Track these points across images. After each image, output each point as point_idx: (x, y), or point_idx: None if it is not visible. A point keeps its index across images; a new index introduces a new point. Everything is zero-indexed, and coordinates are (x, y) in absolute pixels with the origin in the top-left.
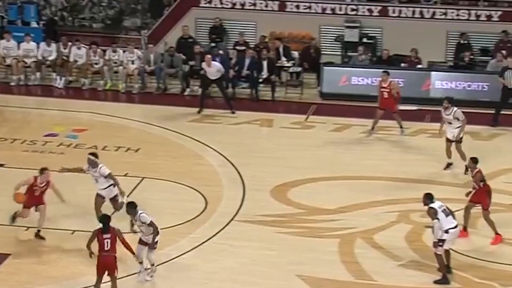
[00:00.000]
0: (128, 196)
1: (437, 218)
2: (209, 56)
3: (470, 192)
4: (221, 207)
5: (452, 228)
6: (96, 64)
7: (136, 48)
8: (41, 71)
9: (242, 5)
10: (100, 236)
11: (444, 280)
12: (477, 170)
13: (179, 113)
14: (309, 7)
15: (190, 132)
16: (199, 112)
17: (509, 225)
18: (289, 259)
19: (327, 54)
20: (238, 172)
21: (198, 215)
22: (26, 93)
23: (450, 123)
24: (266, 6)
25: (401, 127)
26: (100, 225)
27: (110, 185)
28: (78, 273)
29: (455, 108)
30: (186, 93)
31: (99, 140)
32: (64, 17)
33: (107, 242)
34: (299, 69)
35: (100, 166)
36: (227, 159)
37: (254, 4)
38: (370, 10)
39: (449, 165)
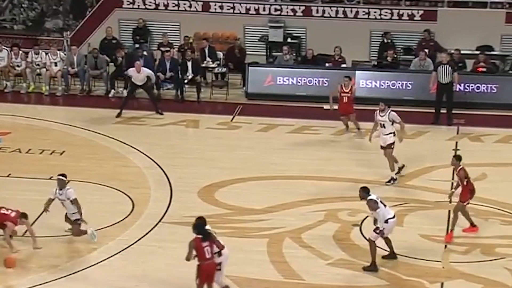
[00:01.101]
0: (53, 199)
1: (379, 207)
2: (138, 62)
3: (453, 192)
4: (148, 209)
5: (391, 218)
6: (18, 66)
7: (59, 49)
8: None
9: (166, 6)
10: (199, 244)
11: (373, 268)
12: (460, 167)
13: (104, 115)
14: (233, 8)
15: (116, 134)
16: (118, 116)
17: (436, 222)
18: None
19: (252, 54)
20: (165, 174)
21: (125, 217)
22: None
23: (383, 126)
24: (190, 6)
25: (358, 129)
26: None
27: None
28: (2, 280)
29: (390, 111)
30: (110, 95)
31: (23, 143)
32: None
33: (207, 250)
34: (224, 69)
35: (67, 188)
36: (154, 161)
37: (178, 5)
38: (293, 10)
39: (400, 169)
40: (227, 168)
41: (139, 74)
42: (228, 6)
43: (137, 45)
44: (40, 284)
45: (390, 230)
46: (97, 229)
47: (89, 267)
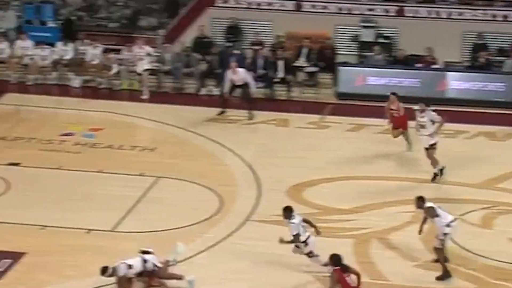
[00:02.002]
0: (144, 195)
1: (438, 215)
2: (234, 63)
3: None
4: (236, 207)
5: (453, 221)
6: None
7: (147, 44)
8: (58, 71)
9: (258, 4)
10: (341, 275)
11: (445, 275)
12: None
13: (194, 112)
14: (325, 7)
15: (206, 132)
16: (220, 114)
17: None
18: (304, 260)
19: (343, 54)
20: (254, 172)
21: (213, 215)
22: (43, 93)
23: (424, 127)
24: (282, 6)
25: (409, 143)
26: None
27: None
28: (94, 272)
29: (430, 110)
30: (201, 93)
31: (115, 139)
32: (81, 17)
33: (350, 278)
34: (315, 69)
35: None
36: (243, 159)
37: (270, 4)
38: (386, 10)
39: (439, 173)
40: (316, 168)
41: (236, 75)
42: (320, 5)
43: (229, 44)
44: None
45: (452, 234)
46: (184, 226)
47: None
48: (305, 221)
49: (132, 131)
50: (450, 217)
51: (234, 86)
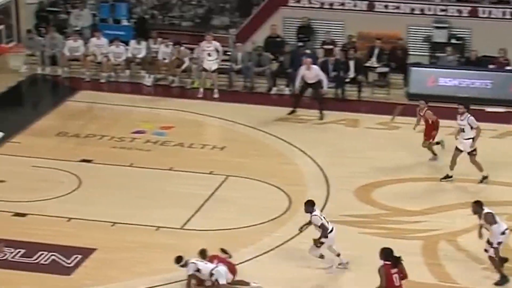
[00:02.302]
0: (213, 194)
1: (496, 222)
2: (309, 59)
3: None
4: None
5: (506, 229)
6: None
7: (214, 40)
8: (131, 69)
9: (331, 4)
10: (388, 271)
11: (504, 280)
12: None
13: (265, 111)
14: (398, 7)
15: (276, 131)
16: (290, 113)
17: None
18: (372, 260)
19: (415, 54)
20: (323, 172)
21: (282, 214)
22: (116, 90)
23: (463, 130)
24: (355, 5)
25: (434, 154)
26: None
27: None
28: (162, 269)
29: (469, 115)
30: (272, 92)
31: (185, 137)
32: (154, 15)
33: (396, 277)
34: (386, 69)
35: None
36: (312, 159)
37: (343, 4)
38: (459, 11)
39: (447, 177)
40: (385, 168)
41: (309, 71)
42: (393, 5)
43: (300, 43)
44: None
45: (504, 242)
46: (253, 225)
47: (243, 262)
48: None
49: (202, 130)
50: (504, 225)
51: (306, 84)
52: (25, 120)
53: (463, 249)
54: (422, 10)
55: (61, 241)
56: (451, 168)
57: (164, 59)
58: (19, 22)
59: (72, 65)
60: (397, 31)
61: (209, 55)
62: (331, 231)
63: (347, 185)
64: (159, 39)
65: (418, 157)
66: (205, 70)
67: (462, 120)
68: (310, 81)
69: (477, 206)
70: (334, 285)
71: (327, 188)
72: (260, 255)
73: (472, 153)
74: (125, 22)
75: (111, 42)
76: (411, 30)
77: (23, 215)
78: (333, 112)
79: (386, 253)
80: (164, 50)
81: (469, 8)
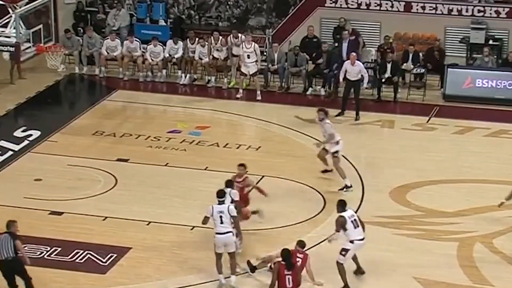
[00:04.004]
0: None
1: (345, 229)
2: (354, 54)
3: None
4: None
5: (358, 240)
6: (218, 50)
7: (253, 41)
8: (167, 69)
9: (368, 5)
10: (282, 272)
11: None
12: None
13: (301, 112)
14: (435, 8)
15: (311, 132)
16: (339, 115)
17: None
18: (406, 261)
19: (452, 55)
20: (358, 173)
21: (316, 215)
22: (152, 90)
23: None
24: (392, 6)
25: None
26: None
27: None
28: (196, 269)
29: (327, 121)
30: (308, 93)
31: (221, 137)
32: (191, 16)
33: (289, 278)
34: (422, 70)
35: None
36: (347, 159)
37: (380, 5)
38: (497, 12)
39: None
40: (421, 170)
41: (354, 66)
42: (430, 6)
43: (337, 44)
44: (228, 277)
45: (354, 251)
46: (287, 225)
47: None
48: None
49: (237, 130)
50: (359, 235)
51: (348, 82)
52: (62, 119)
53: (499, 251)
54: (459, 11)
55: (96, 240)
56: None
57: (201, 59)
58: (57, 22)
59: (109, 64)
60: (434, 32)
61: (248, 57)
62: (360, 240)
63: (382, 186)
64: (196, 39)
65: (455, 158)
66: (243, 74)
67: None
68: (352, 78)
69: (339, 206)
70: (368, 285)
71: (362, 189)
72: None
73: (333, 156)
74: (162, 22)
75: (149, 41)
76: (448, 31)
77: (60, 213)
78: (369, 113)
79: (285, 254)
80: (200, 50)
81: (507, 9)
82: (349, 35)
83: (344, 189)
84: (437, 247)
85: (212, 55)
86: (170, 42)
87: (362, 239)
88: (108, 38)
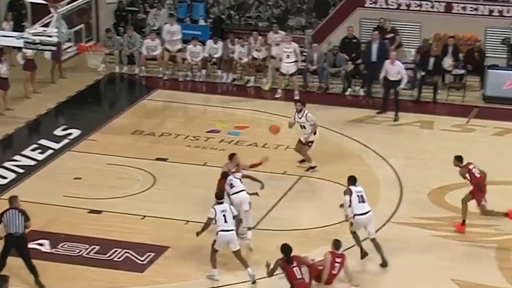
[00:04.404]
0: (286, 194)
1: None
2: (394, 53)
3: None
4: (377, 208)
5: (361, 214)
6: (257, 50)
7: (293, 41)
8: (207, 68)
9: (408, 6)
10: (286, 267)
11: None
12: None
13: (339, 112)
14: (476, 9)
15: (350, 132)
16: (379, 113)
17: None
18: (444, 263)
19: (492, 56)
20: (396, 174)
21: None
22: (192, 90)
23: (303, 127)
24: (432, 7)
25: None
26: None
27: None
28: (233, 269)
29: (306, 112)
30: (347, 93)
31: (260, 137)
32: (231, 16)
33: (296, 270)
34: (462, 71)
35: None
36: (386, 160)
37: (420, 5)
38: None
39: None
40: None
41: (393, 66)
42: (471, 7)
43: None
44: (264, 277)
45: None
46: (326, 226)
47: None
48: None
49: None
50: (361, 210)
51: (388, 82)
52: (102, 118)
53: None
54: (500, 12)
55: (135, 239)
56: (308, 160)
57: (240, 59)
58: (98, 21)
59: (149, 64)
60: (474, 33)
61: (287, 57)
62: (361, 214)
63: (420, 187)
64: (236, 39)
65: (493, 160)
66: (282, 74)
67: (300, 118)
68: (392, 78)
69: (349, 181)
70: (407, 285)
71: (400, 190)
72: None
73: (307, 144)
74: (202, 22)
75: (188, 41)
76: (489, 32)
77: (98, 212)
78: (408, 113)
79: (283, 249)
80: (240, 50)
81: None
82: (378, 37)
83: (310, 170)
84: (475, 249)
85: (252, 55)
86: (210, 42)
87: (366, 213)
88: (148, 38)
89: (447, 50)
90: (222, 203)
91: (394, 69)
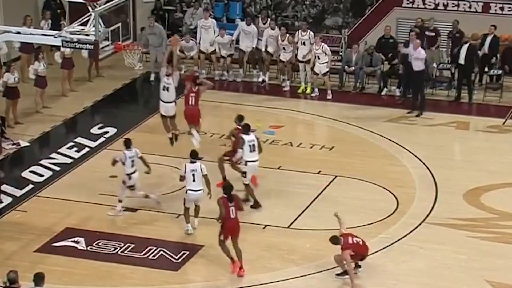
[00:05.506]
0: (320, 194)
1: (242, 149)
2: (418, 40)
3: None
4: (412, 209)
5: (251, 161)
6: (284, 49)
7: (322, 42)
8: (243, 68)
9: (445, 6)
10: (226, 203)
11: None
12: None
13: (375, 112)
14: None
15: (385, 132)
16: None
17: None
18: (479, 264)
19: None
20: (432, 174)
21: (389, 216)
22: (227, 89)
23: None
24: (470, 7)
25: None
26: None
27: None
28: (268, 268)
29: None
30: (383, 93)
31: (294, 137)
32: (267, 15)
33: (232, 209)
34: (499, 71)
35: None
36: (421, 161)
37: (457, 5)
38: None
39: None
40: (495, 172)
41: (415, 53)
42: (509, 7)
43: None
44: (300, 276)
45: (250, 172)
46: (359, 226)
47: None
48: None
49: (311, 129)
50: (252, 157)
51: (410, 68)
52: (138, 117)
53: None
54: None
55: (169, 237)
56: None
57: (268, 51)
58: (135, 20)
59: (186, 62)
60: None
61: (318, 57)
62: (252, 161)
63: (456, 188)
64: (268, 19)
65: None
66: (315, 74)
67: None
68: (416, 69)
69: (244, 129)
70: (441, 286)
71: (435, 190)
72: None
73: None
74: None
75: (221, 30)
76: None
77: (134, 210)
78: (443, 114)
79: (225, 188)
80: (270, 33)
81: None
82: (415, 37)
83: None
84: (510, 250)
85: (279, 58)
86: (242, 24)
87: (255, 161)
88: (183, 40)
89: (485, 39)
90: (194, 162)
91: (418, 56)
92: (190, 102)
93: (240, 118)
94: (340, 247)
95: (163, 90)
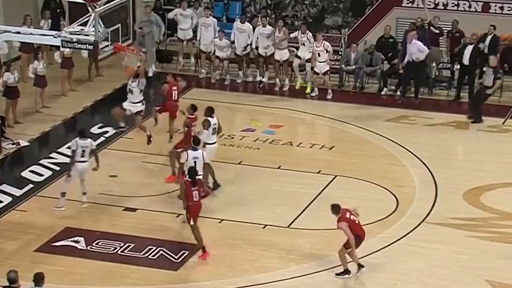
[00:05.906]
0: (320, 193)
1: (207, 130)
2: (414, 32)
3: None
4: (412, 208)
5: (210, 144)
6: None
7: (324, 39)
8: (243, 67)
9: (445, 5)
10: (189, 188)
11: None
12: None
13: (375, 112)
14: None
15: (385, 132)
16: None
17: None
18: (479, 264)
19: None
20: (432, 174)
21: (389, 215)
22: (226, 88)
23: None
24: (469, 6)
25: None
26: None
27: None
28: (267, 268)
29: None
30: (383, 93)
31: (294, 136)
32: (267, 14)
33: (195, 193)
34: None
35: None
36: (421, 160)
37: (457, 5)
38: None
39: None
40: (495, 172)
41: (411, 47)
42: (508, 7)
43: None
44: (300, 276)
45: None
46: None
47: (349, 262)
48: None
49: (311, 129)
50: (210, 140)
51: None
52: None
53: None
54: None
55: (169, 237)
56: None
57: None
58: (135, 20)
59: (185, 62)
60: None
61: (318, 55)
62: (211, 144)
63: (455, 188)
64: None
65: None
66: (316, 73)
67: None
68: (414, 58)
69: (208, 111)
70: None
71: (435, 190)
72: (366, 256)
73: (139, 114)
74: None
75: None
76: None
77: (133, 210)
78: (443, 114)
79: (189, 173)
80: (262, 31)
81: None
82: (413, 37)
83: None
84: (510, 250)
85: (274, 58)
86: (237, 23)
87: (213, 143)
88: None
89: (485, 38)
90: (196, 149)
91: (414, 48)
92: (173, 97)
93: (193, 107)
94: (337, 218)
95: (128, 92)
